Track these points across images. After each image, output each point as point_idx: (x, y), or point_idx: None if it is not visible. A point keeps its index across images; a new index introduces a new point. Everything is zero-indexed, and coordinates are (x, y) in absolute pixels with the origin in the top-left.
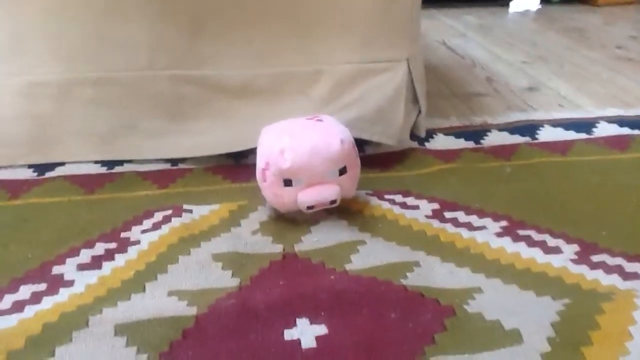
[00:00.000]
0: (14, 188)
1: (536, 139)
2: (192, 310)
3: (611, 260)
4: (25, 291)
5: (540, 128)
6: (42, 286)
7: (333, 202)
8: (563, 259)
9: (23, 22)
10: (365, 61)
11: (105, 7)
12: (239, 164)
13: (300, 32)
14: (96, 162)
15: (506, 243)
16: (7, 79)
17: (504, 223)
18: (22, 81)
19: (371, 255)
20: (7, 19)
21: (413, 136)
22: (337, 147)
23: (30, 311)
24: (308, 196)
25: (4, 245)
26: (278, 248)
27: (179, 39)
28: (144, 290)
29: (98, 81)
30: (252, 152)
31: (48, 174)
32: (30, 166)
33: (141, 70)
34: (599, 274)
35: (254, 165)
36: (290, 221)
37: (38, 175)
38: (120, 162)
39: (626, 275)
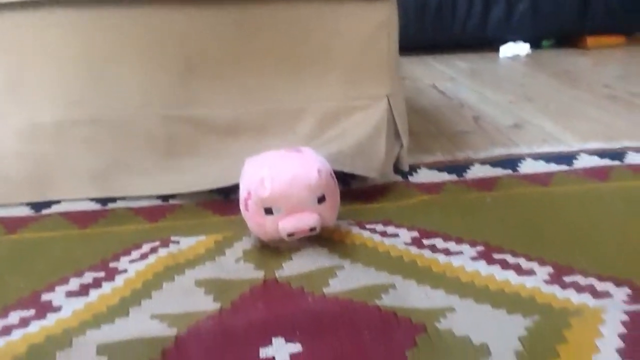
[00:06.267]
0: (11, 224)
1: (517, 171)
2: (172, 331)
3: (584, 281)
4: (14, 317)
5: (522, 161)
6: (31, 312)
7: (313, 229)
8: (536, 280)
9: (20, 65)
10: (347, 98)
11: (99, 50)
12: (228, 199)
13: (285, 73)
14: (91, 199)
15: (481, 266)
16: (6, 119)
17: (480, 248)
18: (20, 121)
19: (349, 279)
20: (5, 61)
21: (397, 170)
22: (315, 176)
23: (17, 334)
24: (288, 223)
25: None
26: (259, 274)
27: (169, 81)
28: (127, 314)
29: (92, 122)
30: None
31: (44, 211)
32: (27, 204)
33: (133, 111)
34: (570, 293)
35: None
36: (273, 249)
37: (35, 213)
38: (114, 199)
39: (597, 294)
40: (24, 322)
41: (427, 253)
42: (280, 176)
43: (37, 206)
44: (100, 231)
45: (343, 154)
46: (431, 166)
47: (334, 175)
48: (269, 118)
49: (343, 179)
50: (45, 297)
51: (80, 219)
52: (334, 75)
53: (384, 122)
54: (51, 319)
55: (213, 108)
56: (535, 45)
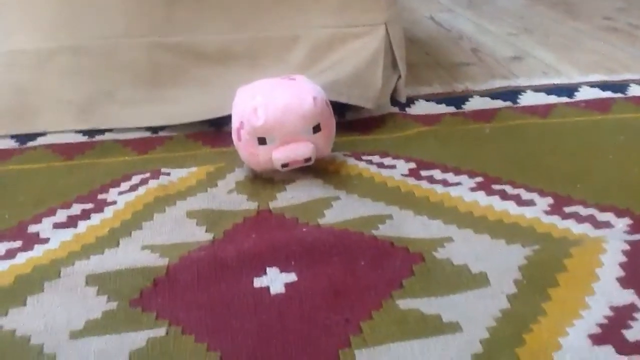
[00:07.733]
0: None
1: (517, 103)
2: (164, 261)
3: (584, 211)
4: (0, 248)
5: (522, 93)
6: (17, 243)
7: (307, 159)
8: (536, 210)
9: None
10: (342, 25)
11: None
12: (219, 130)
13: None
14: (78, 131)
15: (480, 197)
16: None
17: (479, 179)
18: None
19: (345, 210)
20: None
21: (394, 102)
22: (310, 104)
23: (3, 265)
24: (282, 153)
25: None
26: (253, 205)
27: (155, 6)
28: (117, 245)
29: (75, 50)
30: (231, 118)
31: (30, 144)
32: (12, 137)
33: (117, 38)
34: (570, 224)
35: None
36: (266, 180)
37: (20, 145)
38: (102, 131)
39: (598, 224)
40: (11, 254)
41: (424, 184)
42: (274, 104)
43: (22, 139)
44: (88, 163)
45: (339, 83)
46: (429, 98)
47: (329, 104)
48: (260, 46)
49: (339, 109)
50: (31, 228)
51: (67, 150)
52: (328, 1)
53: (381, 51)
54: (38, 250)
55: (200, 35)
56: None
